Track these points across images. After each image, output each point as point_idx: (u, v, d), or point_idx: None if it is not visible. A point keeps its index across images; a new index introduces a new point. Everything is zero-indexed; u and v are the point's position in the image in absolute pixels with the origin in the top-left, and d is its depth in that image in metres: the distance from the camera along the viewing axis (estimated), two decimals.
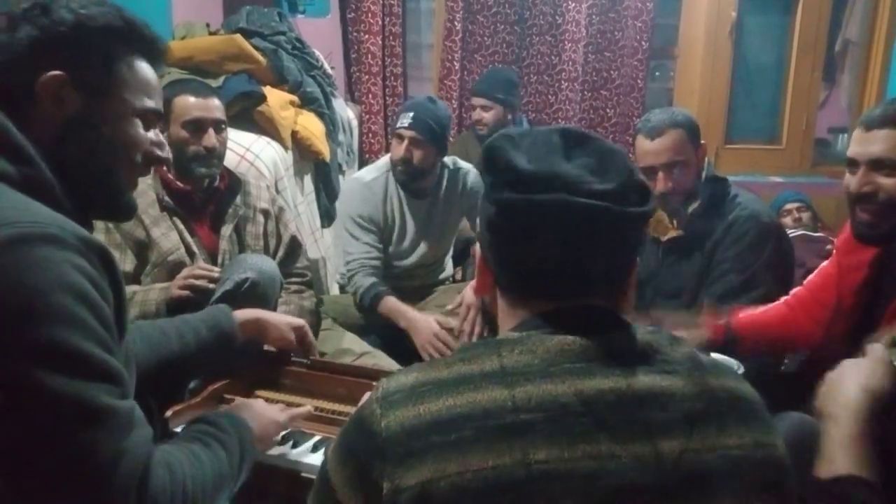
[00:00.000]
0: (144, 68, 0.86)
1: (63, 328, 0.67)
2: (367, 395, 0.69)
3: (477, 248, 2.62)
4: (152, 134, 0.88)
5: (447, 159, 2.19)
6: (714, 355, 1.55)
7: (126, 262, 1.64)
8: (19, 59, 0.78)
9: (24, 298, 0.66)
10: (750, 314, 1.54)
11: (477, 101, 2.86)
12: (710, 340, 1.46)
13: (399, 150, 2.04)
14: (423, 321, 1.92)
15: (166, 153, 0.91)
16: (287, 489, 1.10)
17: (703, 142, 1.73)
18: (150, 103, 0.86)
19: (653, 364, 0.65)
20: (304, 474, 1.10)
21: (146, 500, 0.71)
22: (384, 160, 2.19)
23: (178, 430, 1.12)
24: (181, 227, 1.70)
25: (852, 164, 1.28)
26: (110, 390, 0.70)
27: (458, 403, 0.60)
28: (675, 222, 1.72)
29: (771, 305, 1.55)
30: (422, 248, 2.19)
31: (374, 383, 1.27)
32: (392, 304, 1.98)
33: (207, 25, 2.41)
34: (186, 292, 1.58)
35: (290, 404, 1.28)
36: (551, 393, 0.60)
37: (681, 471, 0.60)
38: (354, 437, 0.63)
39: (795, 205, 2.91)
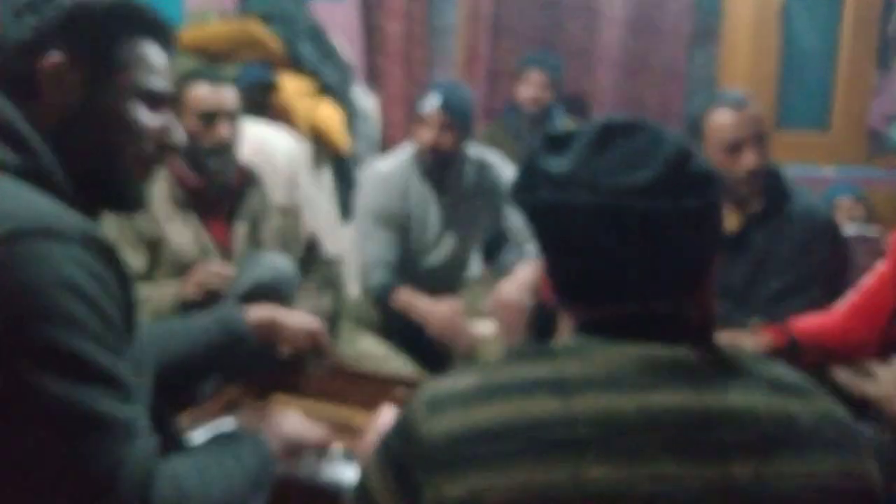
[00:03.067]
0: (149, 49, 0.83)
1: (61, 329, 0.65)
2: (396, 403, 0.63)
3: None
4: (163, 118, 0.84)
5: (473, 151, 2.09)
6: None
7: (138, 260, 1.61)
8: (22, 46, 0.77)
9: (22, 297, 0.64)
10: (807, 321, 1.44)
11: (536, 76, 2.68)
12: (776, 347, 1.38)
13: (426, 135, 1.93)
14: (433, 309, 1.87)
15: (179, 137, 0.86)
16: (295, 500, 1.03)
17: None
18: (155, 84, 0.83)
19: (729, 380, 0.60)
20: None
21: None
22: (404, 151, 2.09)
23: (194, 434, 1.10)
24: (195, 223, 1.67)
25: None
26: (110, 395, 0.67)
27: (508, 412, 0.57)
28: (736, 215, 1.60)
29: (826, 314, 1.45)
30: (446, 243, 2.08)
31: (394, 389, 1.25)
32: (404, 295, 1.91)
33: (221, 12, 2.37)
34: (199, 291, 1.54)
35: (308, 409, 1.25)
36: (611, 406, 0.57)
37: (752, 499, 0.56)
38: (396, 442, 0.61)
39: (848, 198, 2.76)
